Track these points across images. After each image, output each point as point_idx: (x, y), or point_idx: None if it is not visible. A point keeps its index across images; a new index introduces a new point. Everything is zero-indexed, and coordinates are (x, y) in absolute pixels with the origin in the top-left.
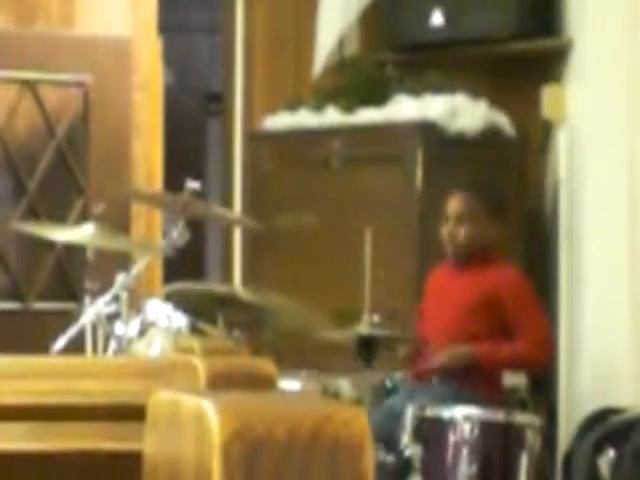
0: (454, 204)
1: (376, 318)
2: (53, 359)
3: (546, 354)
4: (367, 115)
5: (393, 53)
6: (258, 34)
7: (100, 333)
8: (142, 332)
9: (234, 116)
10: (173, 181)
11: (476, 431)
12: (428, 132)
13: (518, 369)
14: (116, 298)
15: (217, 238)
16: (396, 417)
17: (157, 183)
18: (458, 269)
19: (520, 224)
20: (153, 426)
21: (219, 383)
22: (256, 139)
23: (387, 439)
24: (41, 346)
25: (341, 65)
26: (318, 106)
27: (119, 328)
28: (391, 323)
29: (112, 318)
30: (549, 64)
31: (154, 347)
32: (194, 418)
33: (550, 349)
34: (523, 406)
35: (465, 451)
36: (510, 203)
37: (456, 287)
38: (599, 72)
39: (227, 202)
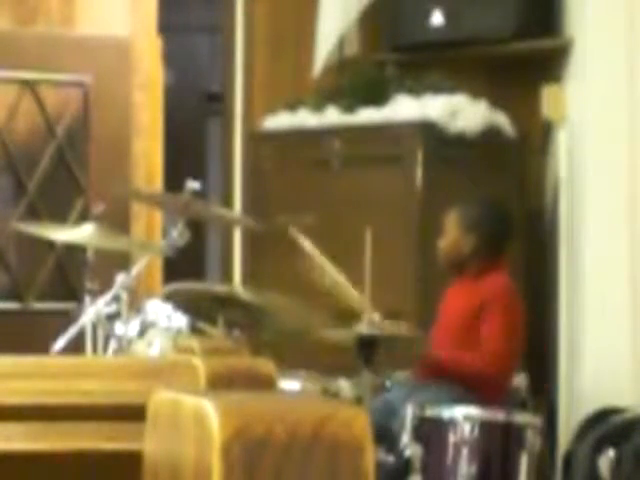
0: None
1: (376, 318)
2: (53, 359)
3: (496, 368)
4: (367, 115)
5: (393, 53)
6: (258, 34)
7: (100, 333)
8: (142, 332)
9: (234, 116)
10: (173, 181)
11: (476, 431)
12: (428, 132)
13: (476, 381)
14: (116, 298)
15: (217, 238)
16: (392, 412)
17: (157, 183)
18: (456, 280)
19: (520, 224)
20: (153, 426)
21: (219, 383)
22: (256, 139)
23: (382, 434)
24: (41, 346)
25: (341, 65)
26: (318, 106)
27: (119, 328)
28: (391, 323)
29: (112, 318)
30: (549, 64)
31: (154, 347)
32: (194, 418)
33: (500, 365)
34: (523, 406)
35: (465, 451)
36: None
37: (452, 299)
38: (599, 72)
39: (227, 202)
